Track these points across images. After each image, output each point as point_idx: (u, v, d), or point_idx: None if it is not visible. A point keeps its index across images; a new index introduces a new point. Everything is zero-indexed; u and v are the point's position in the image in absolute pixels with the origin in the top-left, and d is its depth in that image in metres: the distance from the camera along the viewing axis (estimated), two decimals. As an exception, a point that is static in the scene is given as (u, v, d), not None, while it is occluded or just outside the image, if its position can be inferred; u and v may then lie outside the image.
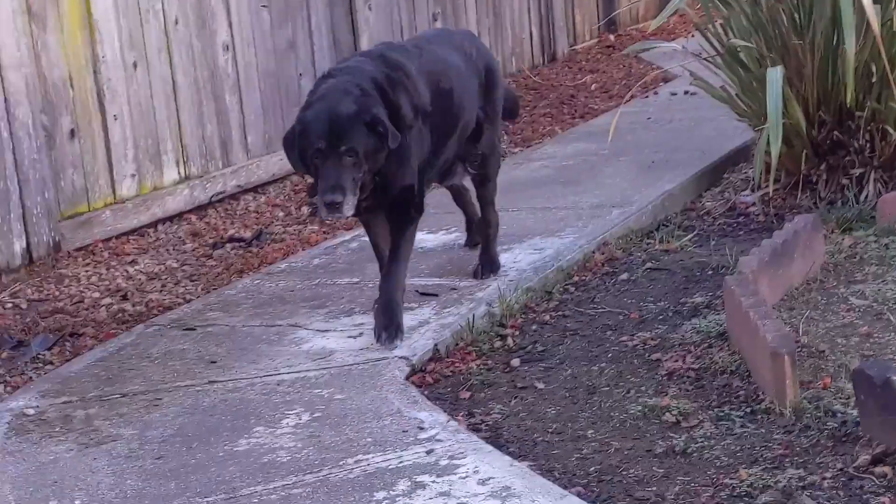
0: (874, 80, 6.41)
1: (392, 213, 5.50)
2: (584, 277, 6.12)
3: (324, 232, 7.36)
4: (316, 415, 4.57)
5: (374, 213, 5.57)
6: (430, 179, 5.93)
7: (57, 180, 6.90)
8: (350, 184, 4.99)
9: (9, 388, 5.27)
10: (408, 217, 5.51)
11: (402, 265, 5.46)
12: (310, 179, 5.64)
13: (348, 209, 5.02)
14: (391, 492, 3.92)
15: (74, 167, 7.06)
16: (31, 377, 5.40)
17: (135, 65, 7.42)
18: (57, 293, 6.44)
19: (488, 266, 6.06)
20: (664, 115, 9.33)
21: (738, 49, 6.82)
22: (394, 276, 5.41)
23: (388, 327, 5.20)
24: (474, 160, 6.11)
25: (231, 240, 7.33)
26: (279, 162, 8.19)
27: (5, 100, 6.49)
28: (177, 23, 7.69)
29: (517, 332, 5.42)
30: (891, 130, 6.52)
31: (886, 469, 3.89)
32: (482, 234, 6.24)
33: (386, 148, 5.10)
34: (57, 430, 4.74)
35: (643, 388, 4.72)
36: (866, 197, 6.51)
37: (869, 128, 6.56)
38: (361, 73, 5.34)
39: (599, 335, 5.39)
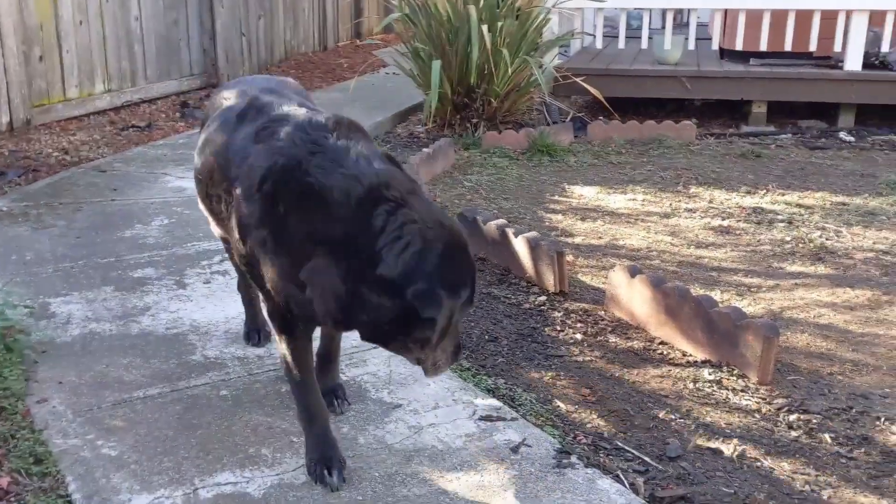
0: (486, 73, 6.54)
1: None
2: (328, 162, 6.05)
3: (188, 126, 7.06)
4: (173, 220, 4.46)
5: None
6: None
7: (30, 84, 6.36)
8: None
9: (-8, 197, 4.94)
10: None
11: None
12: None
13: None
14: (211, 261, 3.89)
15: (41, 77, 6.51)
16: (6, 191, 5.04)
17: (80, 22, 6.85)
18: (26, 148, 5.98)
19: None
20: (381, 84, 9.27)
21: (419, 49, 6.84)
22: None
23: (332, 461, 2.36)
24: None
25: (132, 126, 6.94)
26: (164, 87, 7.87)
27: (1, 34, 5.96)
28: (108, 1, 7.13)
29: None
30: (493, 101, 6.71)
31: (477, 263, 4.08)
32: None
33: None
34: (19, 220, 4.48)
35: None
36: (478, 134, 6.69)
37: (482, 98, 6.72)
38: None
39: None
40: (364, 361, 3.07)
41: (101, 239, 4.26)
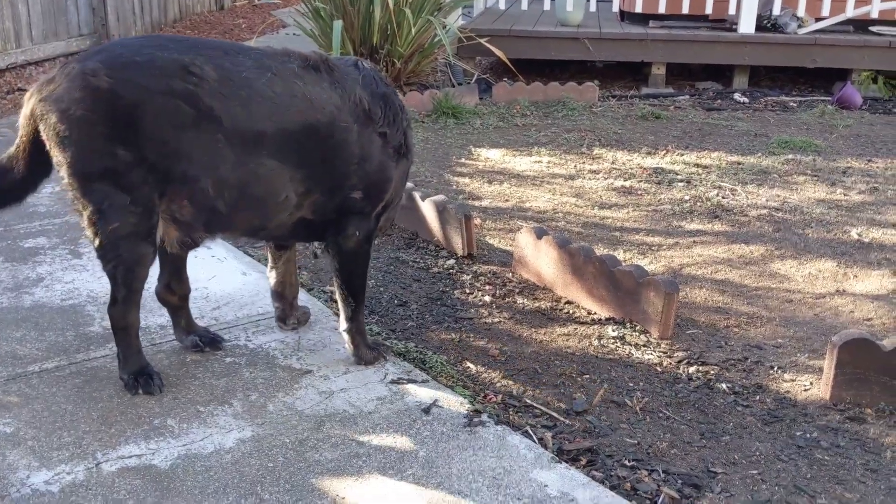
0: (389, 33, 6.48)
1: None
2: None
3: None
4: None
5: None
6: None
7: None
8: None
9: None
10: None
11: None
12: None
13: None
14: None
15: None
16: None
17: (-45, -23, 6.46)
18: None
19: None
20: (281, 45, 9.03)
21: (320, 9, 6.71)
22: None
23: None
24: None
25: (18, 90, 6.64)
26: (51, 49, 7.47)
27: None
28: (-16, -45, 6.74)
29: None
30: (396, 62, 6.65)
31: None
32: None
33: None
34: None
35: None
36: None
37: (386, 59, 6.66)
38: None
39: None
40: (271, 328, 3.04)
41: (-13, 208, 4.05)
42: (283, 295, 3.00)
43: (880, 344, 2.72)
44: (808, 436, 2.60)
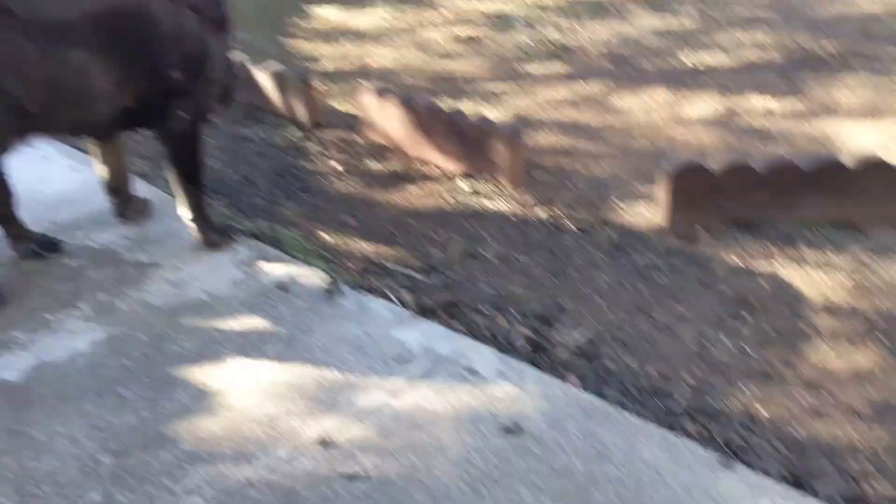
0: None
1: None
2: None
3: None
4: None
5: None
6: None
7: None
8: None
9: None
10: None
11: None
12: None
13: None
14: None
15: None
16: None
17: None
18: None
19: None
20: None
21: None
22: None
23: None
24: None
25: None
26: None
27: None
28: None
29: None
30: None
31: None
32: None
33: None
34: None
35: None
36: None
37: None
38: None
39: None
40: (112, 224, 2.91)
41: None
42: (118, 188, 2.87)
43: (709, 168, 2.88)
44: (648, 262, 2.76)
